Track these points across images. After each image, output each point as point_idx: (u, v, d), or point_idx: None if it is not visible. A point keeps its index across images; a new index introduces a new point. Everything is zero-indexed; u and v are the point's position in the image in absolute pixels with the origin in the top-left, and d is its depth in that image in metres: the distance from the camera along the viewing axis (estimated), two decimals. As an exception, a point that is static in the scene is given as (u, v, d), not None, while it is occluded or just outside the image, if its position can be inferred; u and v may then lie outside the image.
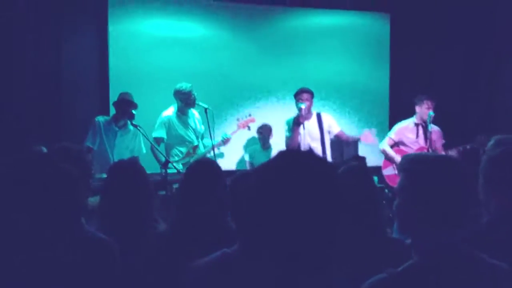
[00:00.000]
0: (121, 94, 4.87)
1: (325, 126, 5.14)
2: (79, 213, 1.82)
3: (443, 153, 5.05)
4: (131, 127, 4.70)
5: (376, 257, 1.89)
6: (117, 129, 4.82)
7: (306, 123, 4.98)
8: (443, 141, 5.27)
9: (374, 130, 5.01)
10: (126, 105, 4.74)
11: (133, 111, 4.63)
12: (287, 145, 5.08)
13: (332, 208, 1.09)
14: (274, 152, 5.70)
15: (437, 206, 1.41)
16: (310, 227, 1.06)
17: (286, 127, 5.19)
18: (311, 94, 5.07)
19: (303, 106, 4.93)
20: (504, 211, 1.86)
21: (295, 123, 4.98)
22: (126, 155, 4.71)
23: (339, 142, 5.40)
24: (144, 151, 4.97)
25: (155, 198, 2.59)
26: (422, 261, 1.41)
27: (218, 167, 2.38)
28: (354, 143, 5.46)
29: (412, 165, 1.50)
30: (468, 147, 4.95)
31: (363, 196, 2.11)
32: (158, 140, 5.00)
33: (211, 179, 2.25)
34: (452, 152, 5.00)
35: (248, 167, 5.70)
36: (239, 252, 1.50)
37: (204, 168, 2.33)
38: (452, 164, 1.47)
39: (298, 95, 5.08)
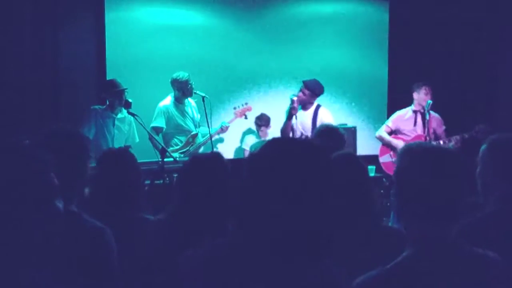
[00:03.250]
0: (111, 84, 4.79)
1: (318, 120, 4.98)
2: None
3: (445, 139, 5.04)
4: (127, 115, 4.67)
5: (371, 247, 1.88)
6: (114, 115, 4.80)
7: (301, 113, 4.92)
8: (444, 127, 5.24)
9: None
10: (121, 94, 4.70)
11: (130, 100, 4.58)
12: (280, 132, 5.01)
13: (325, 194, 1.08)
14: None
15: (430, 196, 1.40)
16: (304, 213, 1.05)
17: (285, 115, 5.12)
18: (311, 90, 4.91)
19: (294, 97, 4.84)
20: (506, 199, 1.86)
21: (289, 114, 4.90)
22: (123, 143, 4.71)
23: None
24: (137, 140, 4.94)
25: (143, 187, 2.58)
26: (413, 255, 1.40)
27: (223, 163, 2.28)
28: (353, 133, 5.40)
29: (408, 154, 1.49)
30: (466, 136, 4.93)
31: (355, 183, 2.07)
32: (157, 130, 4.98)
33: (214, 175, 2.17)
34: (451, 141, 4.98)
35: (245, 155, 5.69)
36: (234, 241, 1.49)
37: (208, 163, 2.24)
38: (447, 154, 1.46)
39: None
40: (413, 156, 1.45)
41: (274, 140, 1.19)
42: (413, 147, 1.50)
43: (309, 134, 4.99)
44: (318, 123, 4.98)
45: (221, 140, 5.71)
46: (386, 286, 1.37)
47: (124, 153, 2.63)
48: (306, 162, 1.09)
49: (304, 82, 4.96)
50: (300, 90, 4.93)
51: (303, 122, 4.96)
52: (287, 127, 4.93)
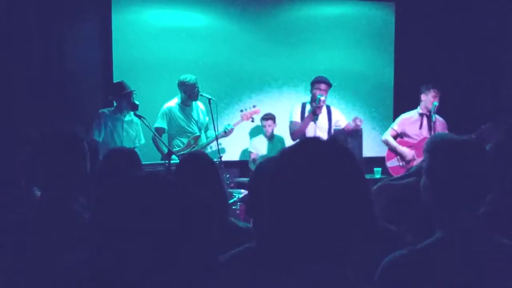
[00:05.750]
0: (119, 86, 4.81)
1: (333, 120, 5.11)
2: None
3: None
4: (134, 117, 4.70)
5: (366, 246, 1.88)
6: (123, 118, 4.82)
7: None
8: (447, 132, 5.23)
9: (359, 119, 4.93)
10: (129, 96, 4.73)
11: (137, 102, 4.61)
12: (294, 131, 5.00)
13: (355, 198, 1.05)
14: (277, 141, 5.69)
15: (460, 186, 1.46)
16: (331, 218, 1.03)
17: (292, 112, 5.12)
18: (329, 86, 4.96)
19: (323, 97, 4.82)
20: (495, 204, 1.84)
21: (313, 113, 4.88)
22: (131, 145, 4.75)
23: (344, 134, 5.35)
24: (143, 141, 4.98)
25: None
26: (443, 238, 1.46)
27: (210, 160, 2.34)
28: (359, 136, 5.41)
29: (438, 145, 1.54)
30: (473, 136, 4.91)
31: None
32: (159, 130, 5.01)
33: (202, 173, 2.20)
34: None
35: (251, 157, 5.69)
36: (259, 246, 1.49)
37: (195, 161, 2.30)
38: (476, 147, 1.52)
39: (316, 84, 4.93)
40: (448, 146, 1.52)
41: (307, 140, 1.14)
42: (447, 138, 1.56)
43: (325, 133, 5.01)
44: (333, 123, 5.09)
45: (226, 142, 5.71)
46: (416, 265, 1.42)
47: (130, 153, 2.67)
48: (340, 164, 1.06)
49: (323, 79, 4.94)
50: (319, 91, 4.87)
51: (319, 122, 4.97)
52: (306, 127, 4.93)
